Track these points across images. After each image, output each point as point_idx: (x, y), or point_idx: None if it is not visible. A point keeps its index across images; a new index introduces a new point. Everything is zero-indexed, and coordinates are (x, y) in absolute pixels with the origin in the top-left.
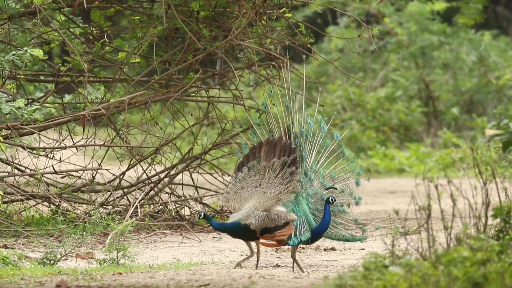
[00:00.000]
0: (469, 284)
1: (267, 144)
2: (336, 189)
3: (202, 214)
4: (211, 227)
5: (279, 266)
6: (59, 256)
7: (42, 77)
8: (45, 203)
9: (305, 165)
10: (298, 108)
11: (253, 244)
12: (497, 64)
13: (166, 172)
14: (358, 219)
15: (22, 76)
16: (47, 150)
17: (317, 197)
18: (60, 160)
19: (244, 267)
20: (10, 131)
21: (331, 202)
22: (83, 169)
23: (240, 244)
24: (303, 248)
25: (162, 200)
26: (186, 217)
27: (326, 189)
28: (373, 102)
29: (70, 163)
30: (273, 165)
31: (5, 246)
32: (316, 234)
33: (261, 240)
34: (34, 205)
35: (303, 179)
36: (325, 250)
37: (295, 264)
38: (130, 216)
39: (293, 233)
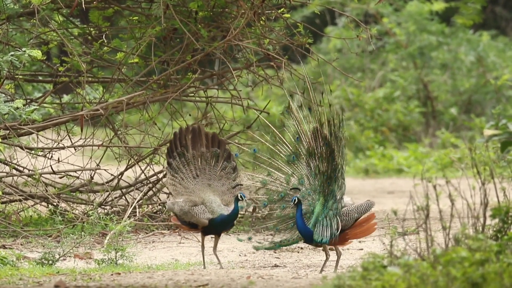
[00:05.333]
0: (467, 284)
1: (190, 132)
2: (299, 189)
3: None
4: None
5: (278, 266)
6: (57, 256)
7: (40, 77)
8: (43, 203)
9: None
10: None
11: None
12: (496, 64)
13: (165, 172)
14: None
15: (21, 77)
16: (45, 150)
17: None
18: (59, 160)
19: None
20: (8, 131)
21: (294, 202)
22: (81, 169)
23: (237, 244)
24: (301, 248)
25: (160, 200)
26: None
27: (291, 189)
28: (372, 103)
29: (68, 163)
30: (202, 154)
31: (4, 246)
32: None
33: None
34: (32, 205)
35: (335, 182)
36: (323, 250)
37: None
38: (128, 216)
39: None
